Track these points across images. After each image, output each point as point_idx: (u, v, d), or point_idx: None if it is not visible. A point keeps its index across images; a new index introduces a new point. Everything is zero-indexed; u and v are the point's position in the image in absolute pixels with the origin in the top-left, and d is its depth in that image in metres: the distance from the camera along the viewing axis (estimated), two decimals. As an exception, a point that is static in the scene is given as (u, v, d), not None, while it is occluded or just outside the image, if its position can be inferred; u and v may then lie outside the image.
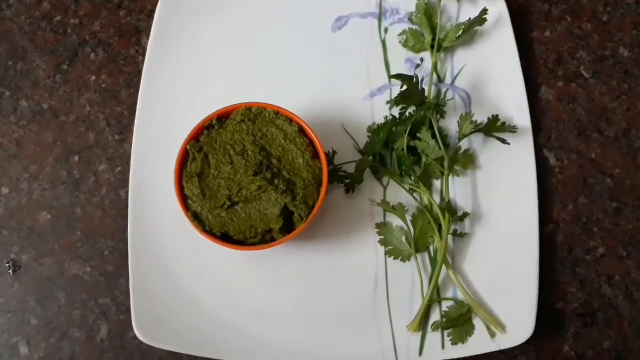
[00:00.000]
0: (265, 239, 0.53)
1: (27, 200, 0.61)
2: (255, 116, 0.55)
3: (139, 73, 0.62)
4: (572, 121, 0.65)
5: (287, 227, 0.54)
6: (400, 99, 0.58)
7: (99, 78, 0.64)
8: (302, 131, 0.56)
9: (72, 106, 0.63)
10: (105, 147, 0.62)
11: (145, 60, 0.61)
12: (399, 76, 0.57)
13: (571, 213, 0.63)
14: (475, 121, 0.60)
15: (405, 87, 0.58)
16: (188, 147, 0.54)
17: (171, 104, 0.62)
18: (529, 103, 0.61)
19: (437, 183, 0.62)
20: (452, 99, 0.64)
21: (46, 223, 0.60)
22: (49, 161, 0.62)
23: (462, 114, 0.61)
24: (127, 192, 0.59)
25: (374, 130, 0.61)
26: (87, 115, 0.63)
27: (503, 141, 0.60)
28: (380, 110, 0.63)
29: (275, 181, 0.53)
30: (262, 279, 0.58)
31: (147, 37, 0.63)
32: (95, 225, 0.60)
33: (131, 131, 0.60)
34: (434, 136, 0.59)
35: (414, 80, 0.57)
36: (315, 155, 0.56)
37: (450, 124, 0.63)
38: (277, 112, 0.56)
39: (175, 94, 0.62)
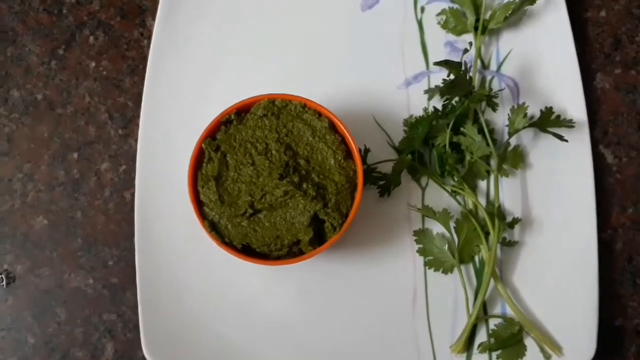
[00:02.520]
0: (292, 251, 0.49)
1: (20, 204, 0.58)
2: (279, 110, 0.51)
3: (144, 59, 0.59)
4: (631, 113, 0.60)
5: (317, 237, 0.49)
6: (446, 90, 0.52)
7: (100, 64, 0.60)
8: (332, 127, 0.51)
9: (69, 97, 0.60)
10: (107, 143, 0.59)
11: (152, 45, 0.57)
12: (445, 63, 0.51)
13: (631, 217, 0.58)
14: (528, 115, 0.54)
15: (452, 75, 0.51)
16: (203, 145, 0.50)
17: (182, 95, 0.57)
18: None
19: (481, 185, 0.56)
20: (504, 89, 0.58)
21: (42, 229, 0.57)
22: (44, 159, 0.59)
23: (513, 106, 0.55)
24: (133, 194, 0.56)
25: (412, 124, 0.56)
26: (86, 107, 0.59)
27: (560, 138, 0.54)
28: (417, 101, 0.58)
29: (304, 185, 0.49)
30: (285, 294, 0.54)
31: (153, 18, 0.59)
32: (97, 232, 0.57)
33: (137, 125, 0.57)
34: (480, 131, 0.54)
35: (463, 68, 0.50)
36: (348, 154, 0.51)
37: (496, 117, 0.58)
38: (305, 105, 0.51)
39: (187, 84, 0.58)
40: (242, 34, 0.59)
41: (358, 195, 0.49)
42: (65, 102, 0.59)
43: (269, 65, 0.58)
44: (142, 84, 0.56)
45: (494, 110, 0.54)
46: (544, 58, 0.58)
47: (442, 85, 0.54)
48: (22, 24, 0.61)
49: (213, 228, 0.48)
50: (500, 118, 0.57)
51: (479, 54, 0.58)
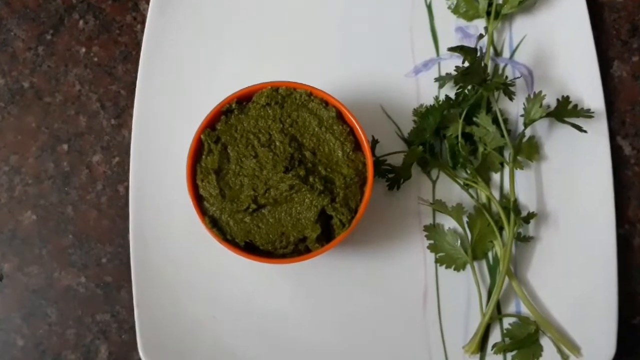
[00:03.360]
0: (298, 249, 0.47)
1: (7, 199, 0.56)
2: (283, 98, 0.49)
3: (137, 45, 0.58)
4: (650, 103, 0.58)
5: (324, 234, 0.47)
6: (460, 77, 0.50)
7: (90, 50, 0.58)
8: (340, 117, 0.49)
9: (58, 85, 0.58)
10: (99, 133, 0.57)
11: (146, 29, 0.55)
12: (459, 49, 0.48)
13: (649, 211, 0.56)
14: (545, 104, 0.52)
15: (466, 62, 0.49)
16: (202, 136, 0.48)
17: (179, 82, 0.55)
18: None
19: (494, 177, 0.54)
20: (520, 77, 0.55)
21: (31, 225, 0.55)
22: (32, 151, 0.57)
23: (529, 95, 0.53)
24: (127, 188, 0.55)
25: (422, 114, 0.54)
26: (76, 95, 0.58)
27: (579, 128, 0.52)
28: (427, 90, 0.56)
29: (310, 179, 0.47)
30: (290, 294, 0.53)
31: (147, 1, 0.58)
32: (89, 228, 0.55)
33: (130, 115, 0.56)
34: (495, 121, 0.52)
35: (478, 54, 0.47)
36: (356, 146, 0.49)
37: (509, 107, 0.56)
38: (310, 94, 0.49)
39: (184, 71, 0.56)
40: (243, 18, 0.57)
41: (368, 190, 0.47)
42: (53, 91, 0.57)
43: (272, 52, 0.56)
44: (136, 71, 0.54)
45: (511, 99, 0.52)
46: (560, 44, 0.56)
47: (453, 72, 0.52)
48: (6, 6, 0.59)
49: (214, 224, 0.47)
50: (513, 108, 0.55)
51: (491, 41, 0.56)
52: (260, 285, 0.52)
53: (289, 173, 0.46)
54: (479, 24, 0.57)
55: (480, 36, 0.50)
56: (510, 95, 0.51)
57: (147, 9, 0.55)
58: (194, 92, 0.54)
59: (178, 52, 0.55)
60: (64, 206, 0.55)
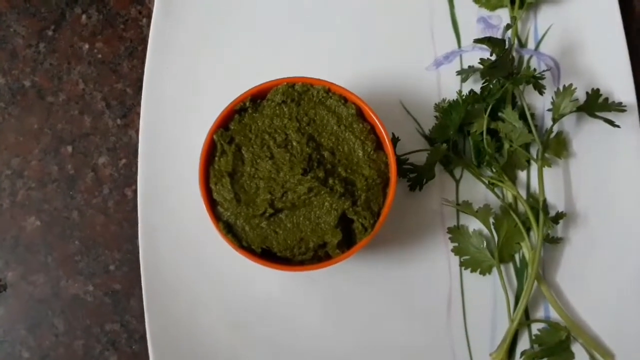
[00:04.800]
0: (317, 255, 0.46)
1: (10, 204, 0.55)
2: (299, 95, 0.47)
3: (143, 40, 0.57)
4: (681, 95, 0.56)
5: (345, 239, 0.45)
6: (487, 71, 0.47)
7: (94, 47, 0.57)
8: (360, 114, 0.47)
9: (60, 83, 0.57)
10: (105, 134, 0.56)
11: (152, 23, 0.54)
12: (487, 41, 0.45)
13: (682, 209, 0.54)
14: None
15: (494, 55, 0.47)
16: (215, 137, 0.46)
17: (188, 80, 0.54)
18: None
19: (520, 176, 0.53)
20: (548, 69, 0.53)
21: (35, 231, 0.54)
22: (35, 153, 0.55)
23: (558, 88, 0.50)
24: (134, 191, 0.54)
25: (445, 109, 0.52)
26: (80, 94, 0.56)
27: (611, 123, 0.50)
28: (449, 84, 0.54)
29: (330, 181, 0.45)
30: (308, 300, 0.51)
31: None
32: (96, 234, 0.54)
33: (137, 114, 0.55)
34: (522, 116, 0.50)
35: (507, 46, 0.45)
36: (377, 145, 0.47)
37: (534, 101, 0.53)
38: (329, 90, 0.47)
39: (194, 67, 0.54)
40: (258, 10, 0.55)
41: (391, 191, 0.45)
42: (56, 90, 0.56)
43: (287, 47, 0.54)
44: (142, 68, 0.53)
45: (541, 93, 0.50)
46: (588, 34, 0.54)
47: (476, 65, 0.50)
48: (5, 1, 0.58)
49: (229, 230, 0.45)
50: (539, 102, 0.53)
51: (515, 31, 0.53)
52: (277, 293, 0.50)
53: (308, 175, 0.45)
54: (502, 14, 0.54)
55: (508, 26, 0.47)
56: (540, 89, 0.49)
57: (153, 2, 0.54)
58: (205, 90, 0.53)
59: (187, 47, 0.54)
60: (69, 211, 0.54)
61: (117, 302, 0.52)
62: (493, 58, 0.49)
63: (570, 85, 0.49)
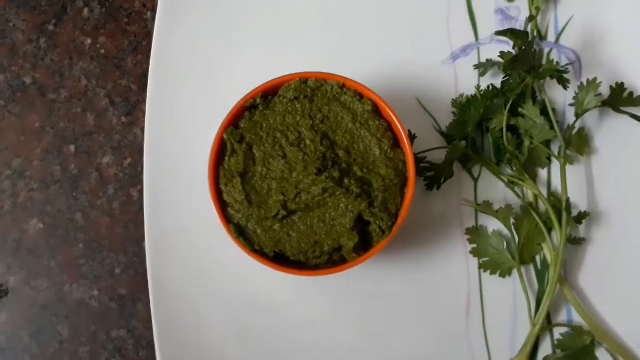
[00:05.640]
0: (332, 258, 0.44)
1: (11, 205, 0.54)
2: (312, 91, 0.46)
3: (148, 34, 0.56)
4: None
5: (361, 241, 0.44)
6: (509, 64, 0.46)
7: (96, 41, 0.56)
8: (375, 110, 0.46)
9: (62, 80, 0.56)
10: (109, 132, 0.55)
11: (156, 17, 0.53)
12: (509, 33, 0.44)
13: None
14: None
15: (515, 48, 0.45)
16: (225, 135, 0.45)
17: (195, 75, 0.53)
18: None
19: (540, 174, 0.51)
20: (572, 62, 0.52)
21: (37, 234, 0.53)
22: (36, 153, 0.54)
23: (581, 82, 0.49)
24: (140, 192, 0.53)
25: (462, 104, 0.50)
26: (82, 91, 0.55)
27: (637, 118, 0.49)
28: (466, 78, 0.52)
29: (345, 181, 0.44)
30: (322, 305, 0.50)
31: None
32: (101, 236, 0.53)
33: (142, 111, 0.54)
34: (543, 112, 0.48)
35: (530, 38, 0.43)
36: (394, 142, 0.45)
37: (555, 95, 0.52)
38: (343, 85, 0.46)
39: (201, 62, 0.53)
40: (267, 3, 0.53)
41: (409, 191, 0.44)
42: (57, 86, 0.55)
43: (298, 41, 0.53)
44: (147, 63, 0.52)
45: (565, 87, 0.48)
46: (610, 25, 0.52)
47: (494, 59, 0.48)
48: None
49: (240, 233, 0.44)
50: (559, 96, 0.51)
51: (535, 23, 0.52)
52: (290, 298, 0.49)
53: (322, 175, 0.43)
54: (520, 4, 0.53)
55: (531, 17, 0.45)
56: (564, 83, 0.47)
57: (158, -6, 0.52)
58: (214, 86, 0.52)
59: (194, 41, 0.52)
60: (73, 212, 0.53)
61: (123, 307, 0.52)
62: (513, 51, 0.47)
63: (595, 79, 0.48)
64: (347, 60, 0.50)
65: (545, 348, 0.48)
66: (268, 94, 0.46)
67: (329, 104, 0.45)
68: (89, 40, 0.55)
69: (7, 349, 0.51)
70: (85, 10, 0.56)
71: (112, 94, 0.55)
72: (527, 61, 0.46)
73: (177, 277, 0.49)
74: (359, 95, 0.45)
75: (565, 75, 0.48)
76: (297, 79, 0.45)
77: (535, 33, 0.52)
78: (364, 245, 0.44)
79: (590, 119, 0.51)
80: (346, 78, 0.45)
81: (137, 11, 0.56)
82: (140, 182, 0.52)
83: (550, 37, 0.53)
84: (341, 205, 0.43)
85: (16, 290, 0.51)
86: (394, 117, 0.44)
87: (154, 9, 0.54)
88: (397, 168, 0.44)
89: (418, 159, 0.49)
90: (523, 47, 0.44)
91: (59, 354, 0.51)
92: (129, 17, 0.56)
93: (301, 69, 0.46)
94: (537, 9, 0.47)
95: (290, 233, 0.43)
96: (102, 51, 0.55)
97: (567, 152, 0.50)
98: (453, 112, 0.51)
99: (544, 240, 0.48)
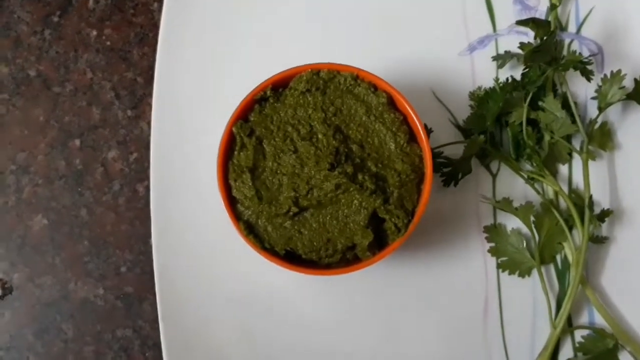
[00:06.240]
0: (345, 257, 0.43)
1: (15, 201, 0.53)
2: (325, 83, 0.45)
3: (155, 26, 0.55)
4: None
5: (376, 240, 0.43)
6: (530, 55, 0.44)
7: (102, 33, 0.55)
8: (391, 103, 0.44)
9: (67, 72, 0.55)
10: (114, 126, 0.54)
11: (164, 8, 0.52)
12: (530, 22, 0.42)
13: None
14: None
15: (537, 38, 0.44)
16: (234, 129, 0.44)
17: (203, 67, 0.52)
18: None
19: (561, 170, 0.50)
20: (595, 54, 0.50)
21: (42, 231, 0.52)
22: (41, 148, 0.54)
23: (605, 75, 0.47)
24: (147, 188, 0.52)
25: (481, 98, 0.49)
26: (88, 84, 0.55)
27: None
28: (483, 70, 0.51)
29: (359, 177, 0.42)
30: (334, 305, 0.49)
31: None
32: (107, 233, 0.52)
33: (149, 105, 0.53)
34: (564, 105, 0.47)
35: (552, 28, 0.42)
36: (411, 137, 0.44)
37: (576, 89, 0.50)
38: (357, 77, 0.44)
39: (209, 54, 0.52)
40: None
41: (426, 188, 0.42)
42: (62, 80, 0.55)
43: (310, 32, 0.52)
44: (154, 56, 0.51)
45: (589, 79, 0.46)
46: (634, 15, 0.50)
47: (514, 50, 0.47)
48: None
49: (250, 231, 0.42)
50: (580, 90, 0.49)
51: (555, 13, 0.50)
52: (301, 298, 0.48)
53: (335, 170, 0.42)
54: (540, -6, 0.52)
55: (553, 6, 0.44)
56: (588, 75, 0.46)
57: (165, -15, 0.51)
58: (222, 78, 0.51)
59: (202, 32, 0.51)
60: (78, 209, 0.52)
61: (129, 306, 0.51)
62: (533, 42, 0.46)
63: (619, 71, 0.46)
64: (360, 51, 0.49)
65: (566, 352, 0.47)
66: (279, 86, 0.45)
67: (342, 96, 0.44)
68: (94, 32, 0.54)
69: (11, 347, 0.50)
70: (91, 1, 0.55)
71: (118, 87, 0.54)
72: (549, 52, 0.44)
73: (185, 275, 0.48)
74: (374, 87, 0.44)
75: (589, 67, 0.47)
76: (309, 70, 0.44)
77: (556, 24, 0.50)
78: (378, 244, 0.42)
79: (613, 113, 0.49)
80: (360, 69, 0.44)
81: (144, 2, 0.55)
82: (146, 177, 0.51)
83: (571, 29, 0.51)
84: (355, 202, 0.42)
85: (20, 288, 0.51)
86: (410, 110, 0.43)
87: (161, 0, 0.52)
88: (413, 163, 0.42)
89: (435, 154, 0.47)
90: (545, 38, 0.42)
91: (64, 353, 0.50)
92: (135, 9, 0.55)
93: (313, 61, 0.45)
94: (560, 1, 0.45)
95: (302, 231, 0.42)
96: (108, 43, 0.54)
97: (589, 147, 0.48)
98: (470, 106, 0.49)
99: (565, 239, 0.47)
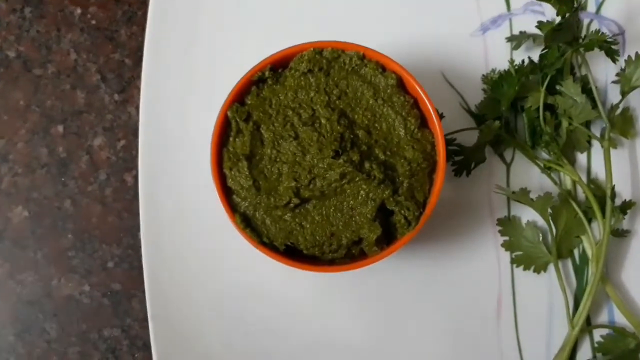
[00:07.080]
0: (351, 252, 0.41)
1: None
2: (329, 63, 0.43)
3: (143, 3, 0.54)
4: None
5: (383, 233, 0.41)
6: (551, 34, 0.43)
7: (87, 11, 0.55)
8: (400, 85, 0.42)
9: (49, 53, 0.54)
10: (100, 112, 0.54)
11: None
12: None
13: None
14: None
15: (559, 16, 0.42)
16: (229, 113, 0.42)
17: (196, 47, 0.51)
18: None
19: (579, 158, 0.48)
20: (618, 34, 0.48)
21: (23, 223, 0.52)
22: (21, 134, 0.53)
23: (629, 57, 0.45)
24: (135, 177, 0.52)
25: (495, 81, 0.47)
26: (72, 66, 0.54)
27: None
28: (497, 52, 0.50)
29: (366, 165, 0.41)
30: (338, 303, 0.48)
31: None
32: (92, 226, 0.52)
33: (137, 88, 0.53)
34: (584, 90, 0.45)
35: (575, 5, 0.40)
36: (422, 122, 0.42)
37: (594, 72, 0.48)
38: (364, 56, 0.43)
39: (203, 33, 0.51)
40: None
41: (439, 177, 0.40)
42: (44, 61, 0.54)
43: (313, 7, 0.51)
44: (142, 36, 0.50)
45: (614, 60, 0.45)
46: None
47: (529, 30, 0.45)
48: None
49: (247, 224, 0.41)
50: (600, 73, 0.48)
51: None
52: (302, 296, 0.47)
53: (339, 158, 0.41)
54: (557, -29, 0.50)
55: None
56: (613, 56, 0.43)
57: (154, -42, 0.50)
58: (216, 58, 0.50)
59: (194, 9, 0.50)
60: (61, 200, 0.52)
61: (116, 304, 0.50)
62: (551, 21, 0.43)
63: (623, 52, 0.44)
64: (366, 29, 0.47)
65: (585, 352, 0.46)
66: (278, 67, 0.43)
67: (348, 77, 0.42)
68: (78, 10, 0.54)
69: (-10, 349, 0.49)
70: (75, -24, 0.53)
71: (104, 69, 0.53)
72: (570, 31, 0.42)
73: (175, 271, 0.47)
74: (382, 67, 0.42)
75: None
76: (311, 49, 0.42)
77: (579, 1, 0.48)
78: (386, 238, 0.41)
79: (635, 98, 0.47)
80: (367, 48, 0.42)
81: (132, -23, 0.53)
82: (135, 166, 0.50)
83: (591, 8, 0.49)
84: (362, 192, 0.40)
85: (0, 284, 0.49)
86: (421, 93, 0.41)
87: (150, -26, 0.51)
88: (425, 151, 0.41)
89: (447, 142, 0.45)
90: (567, 15, 0.40)
91: (47, 354, 0.50)
92: (123, -16, 0.53)
93: (316, 39, 0.43)
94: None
95: (303, 224, 0.41)
96: (94, 22, 0.53)
97: (611, 135, 0.46)
98: (484, 90, 0.48)
99: (584, 233, 0.45)
